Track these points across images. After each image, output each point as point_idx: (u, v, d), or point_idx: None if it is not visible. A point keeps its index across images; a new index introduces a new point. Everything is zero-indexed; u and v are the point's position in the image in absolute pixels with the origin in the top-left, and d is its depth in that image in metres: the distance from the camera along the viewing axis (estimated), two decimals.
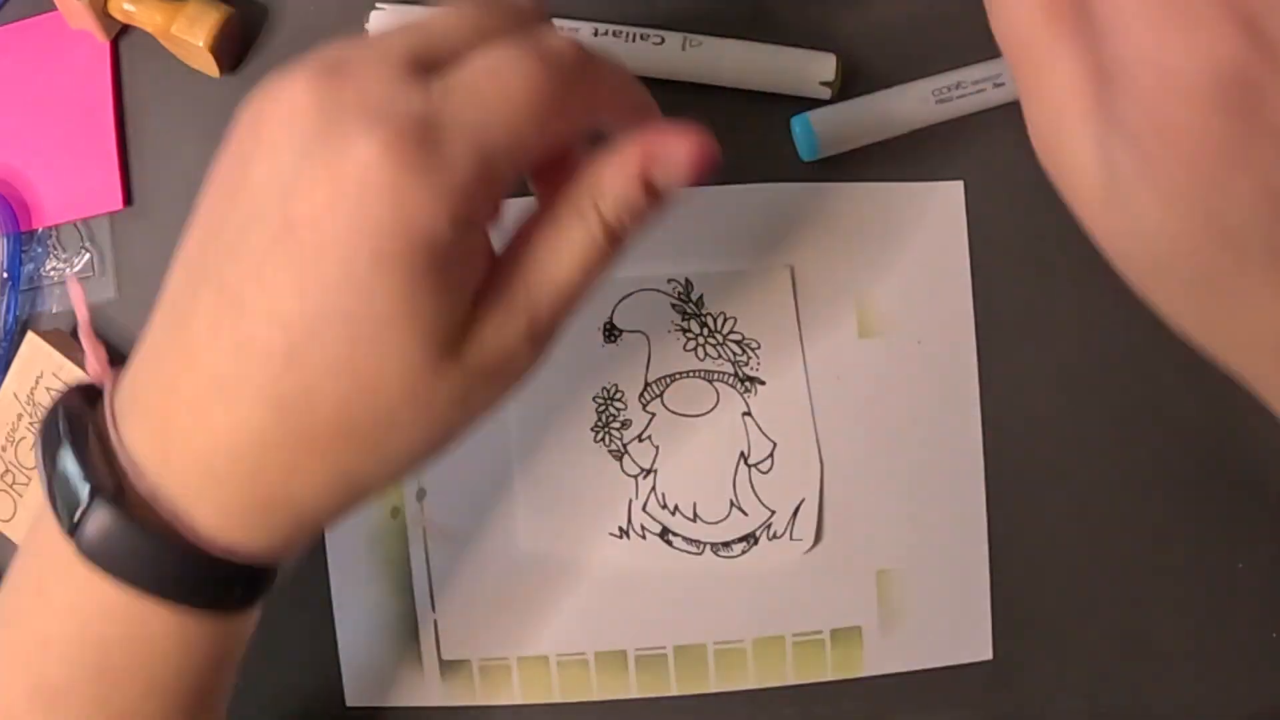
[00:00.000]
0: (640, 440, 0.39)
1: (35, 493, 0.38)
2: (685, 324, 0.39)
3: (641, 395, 0.39)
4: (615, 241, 0.27)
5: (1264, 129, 0.19)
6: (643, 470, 0.39)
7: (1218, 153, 0.19)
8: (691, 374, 0.39)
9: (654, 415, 0.39)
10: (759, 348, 0.39)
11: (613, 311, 0.39)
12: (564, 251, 0.26)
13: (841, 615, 0.39)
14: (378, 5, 0.39)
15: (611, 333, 0.39)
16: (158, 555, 0.25)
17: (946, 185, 0.40)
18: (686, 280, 0.39)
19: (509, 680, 0.39)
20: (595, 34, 0.38)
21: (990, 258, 0.39)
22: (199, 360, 0.25)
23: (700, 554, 0.39)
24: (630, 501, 0.39)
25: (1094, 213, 0.24)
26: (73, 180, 0.40)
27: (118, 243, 0.40)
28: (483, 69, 0.24)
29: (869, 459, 0.38)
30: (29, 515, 0.38)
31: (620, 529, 0.39)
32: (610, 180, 0.26)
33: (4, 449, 0.38)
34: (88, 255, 0.40)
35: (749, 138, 0.39)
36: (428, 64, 0.25)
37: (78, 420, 0.26)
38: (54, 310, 0.40)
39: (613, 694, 0.39)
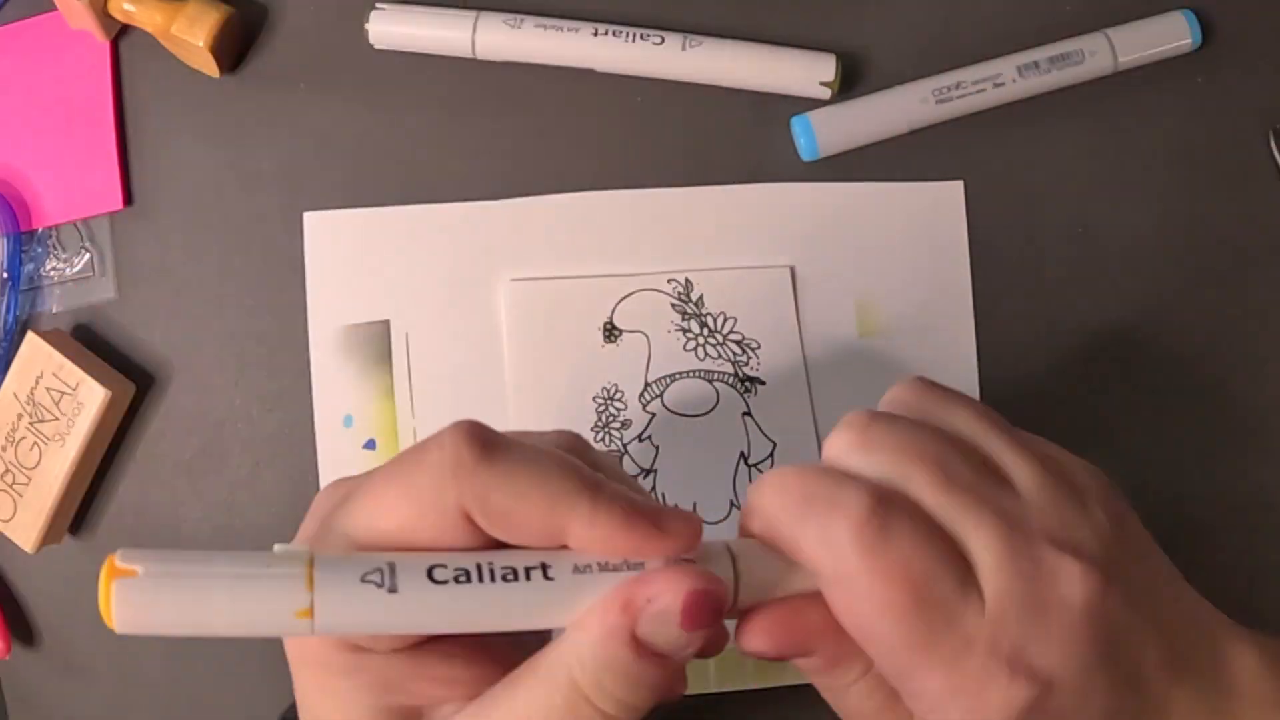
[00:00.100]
0: (640, 440, 0.39)
1: (37, 492, 0.38)
2: (685, 324, 0.39)
3: (641, 395, 0.39)
4: None
5: None
6: (643, 470, 0.39)
7: None
8: (691, 374, 0.39)
9: (654, 415, 0.39)
10: (759, 348, 0.39)
11: (613, 311, 0.39)
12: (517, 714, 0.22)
13: None
14: (378, 5, 0.39)
15: (611, 333, 0.39)
16: None
17: (946, 185, 0.40)
18: (686, 280, 0.39)
19: None
20: (595, 34, 0.38)
21: (990, 258, 0.39)
22: None
23: None
24: None
25: None
26: (73, 180, 0.40)
27: (118, 243, 0.40)
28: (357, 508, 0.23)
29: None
30: (28, 515, 0.38)
31: None
32: (587, 640, 0.22)
33: (4, 449, 0.38)
34: (88, 255, 0.40)
35: (749, 138, 0.40)
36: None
37: None
38: (54, 310, 0.40)
39: None
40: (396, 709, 0.23)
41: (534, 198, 0.39)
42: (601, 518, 0.22)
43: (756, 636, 0.24)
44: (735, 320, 0.39)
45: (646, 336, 0.39)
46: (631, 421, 0.39)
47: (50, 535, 0.38)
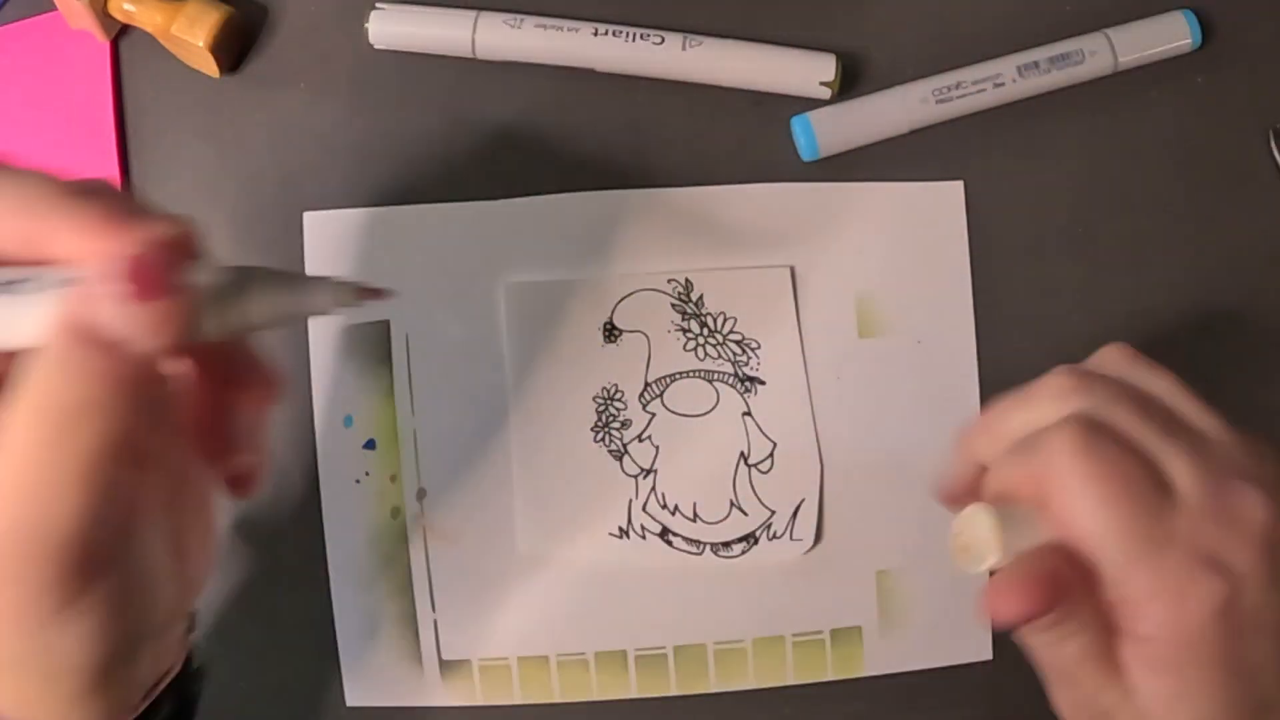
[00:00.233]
0: (640, 440, 0.39)
1: None
2: (685, 324, 0.39)
3: (641, 395, 0.39)
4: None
5: (1247, 626, 0.27)
6: (643, 470, 0.39)
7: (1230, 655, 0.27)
8: (691, 374, 0.39)
9: (654, 415, 0.39)
10: (759, 348, 0.39)
11: (613, 311, 0.39)
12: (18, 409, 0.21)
13: (841, 615, 0.39)
14: (378, 5, 0.39)
15: (611, 333, 0.39)
16: None
17: (946, 185, 0.40)
18: (686, 280, 0.39)
19: (509, 680, 0.39)
20: (595, 34, 0.38)
21: (990, 258, 0.39)
22: None
23: (700, 554, 0.39)
24: (630, 501, 0.39)
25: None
26: None
27: None
28: None
29: (869, 459, 0.38)
30: None
31: (620, 529, 0.39)
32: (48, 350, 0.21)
33: None
34: None
35: (749, 138, 0.40)
36: None
37: None
38: None
39: (613, 694, 0.39)
40: None
41: (534, 198, 0.39)
42: (82, 219, 0.22)
43: (1012, 596, 0.28)
44: (735, 320, 0.39)
45: (646, 336, 0.39)
46: (631, 421, 0.39)
47: None
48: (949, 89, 0.39)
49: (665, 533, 0.39)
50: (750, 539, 0.39)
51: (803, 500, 0.38)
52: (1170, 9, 0.40)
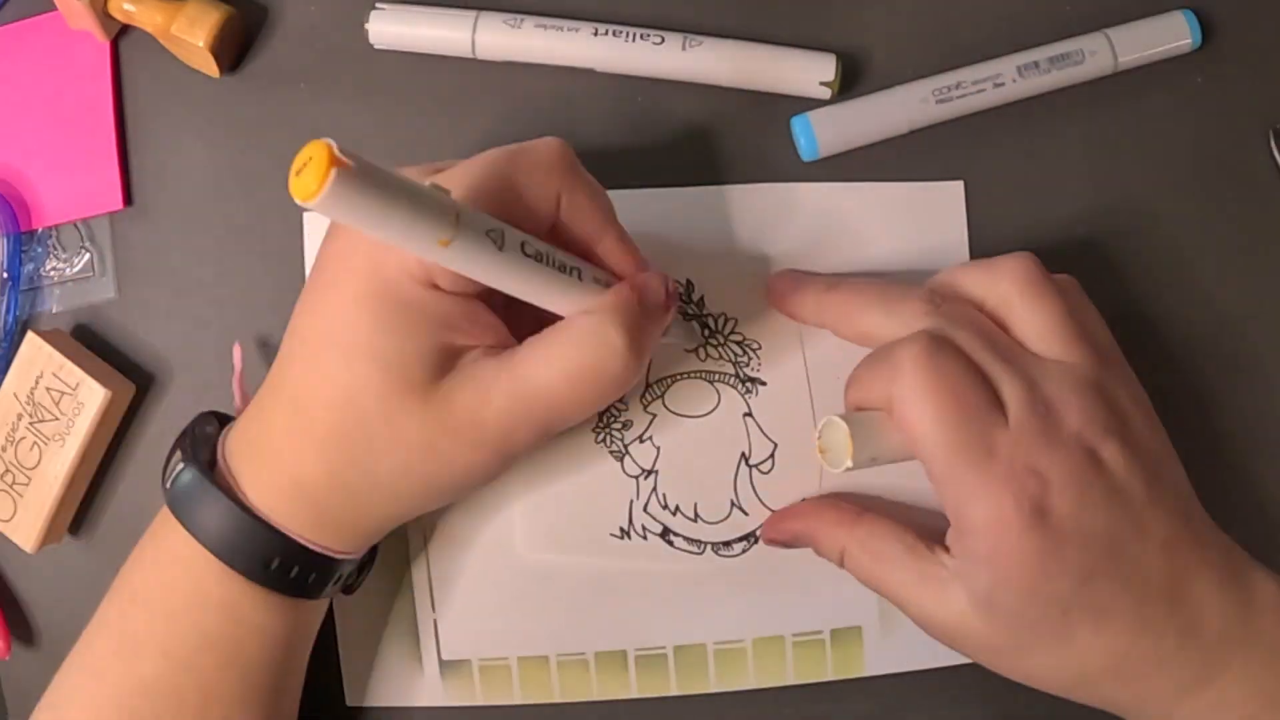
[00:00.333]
0: (641, 441, 0.39)
1: (37, 492, 0.38)
2: (686, 324, 0.39)
3: (642, 396, 0.39)
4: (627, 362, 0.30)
5: (1059, 533, 0.30)
6: (644, 471, 0.39)
7: (1037, 556, 0.30)
8: (692, 374, 0.39)
9: (655, 416, 0.39)
10: (760, 348, 0.39)
11: None
12: (558, 361, 0.30)
13: (841, 615, 0.39)
14: (378, 5, 0.39)
15: None
16: (214, 509, 0.31)
17: (946, 185, 0.40)
18: (687, 280, 0.39)
19: (509, 680, 0.39)
20: (595, 34, 0.38)
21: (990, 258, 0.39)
22: (270, 373, 0.32)
23: (701, 554, 0.39)
24: (631, 502, 0.39)
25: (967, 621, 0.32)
26: (73, 180, 0.40)
27: (118, 243, 0.40)
28: (471, 159, 0.30)
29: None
30: (28, 515, 0.38)
31: (621, 529, 0.39)
32: (612, 305, 0.31)
33: (4, 449, 0.38)
34: (88, 255, 0.40)
35: (749, 138, 0.40)
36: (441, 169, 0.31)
37: (200, 429, 0.34)
38: (54, 310, 0.40)
39: (613, 694, 0.39)
40: (443, 347, 0.30)
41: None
42: (624, 240, 0.33)
43: (771, 532, 0.38)
44: (736, 321, 0.39)
45: None
46: (632, 422, 0.39)
47: (50, 535, 0.38)
48: (949, 89, 0.39)
49: (666, 533, 0.39)
50: (751, 539, 0.39)
51: (803, 500, 0.38)
52: (1170, 9, 0.40)
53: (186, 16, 0.38)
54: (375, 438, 0.30)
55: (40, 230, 0.40)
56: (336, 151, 0.23)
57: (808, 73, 0.38)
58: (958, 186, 0.40)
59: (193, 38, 0.37)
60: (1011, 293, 0.34)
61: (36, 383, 0.38)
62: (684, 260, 0.39)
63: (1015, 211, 0.40)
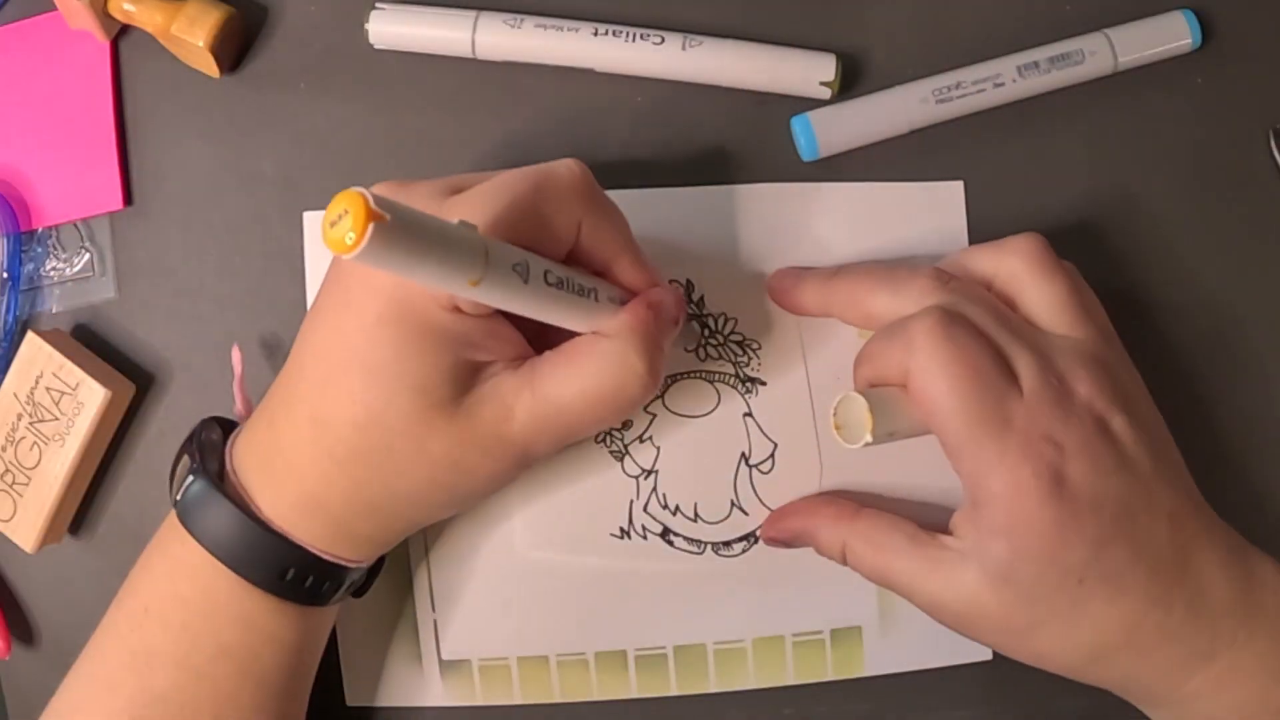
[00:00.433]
0: (641, 441, 0.39)
1: (37, 492, 0.38)
2: (686, 324, 0.39)
3: None
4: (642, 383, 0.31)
5: (1075, 501, 0.31)
6: (644, 471, 0.39)
7: (1055, 524, 0.31)
8: (692, 374, 0.39)
9: (655, 416, 0.39)
10: (760, 348, 0.39)
11: None
12: (578, 381, 0.31)
13: (841, 615, 0.39)
14: (378, 5, 0.39)
15: None
16: (228, 521, 0.31)
17: (946, 185, 0.40)
18: (687, 280, 0.39)
19: (509, 680, 0.39)
20: (595, 34, 0.38)
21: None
22: (278, 383, 0.33)
23: (701, 554, 0.39)
24: (631, 502, 0.39)
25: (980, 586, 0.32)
26: (73, 180, 0.40)
27: (118, 243, 0.40)
28: (492, 182, 0.30)
29: (870, 459, 0.38)
30: (28, 515, 0.38)
31: (621, 529, 0.39)
32: (629, 323, 0.31)
33: (4, 449, 0.38)
34: (88, 255, 0.40)
35: (749, 138, 0.40)
36: (458, 190, 0.31)
37: (206, 436, 0.34)
38: (54, 310, 0.40)
39: (613, 694, 0.39)
40: (466, 364, 0.30)
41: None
42: (639, 258, 0.33)
43: (771, 532, 0.38)
44: (736, 321, 0.39)
45: None
46: (632, 422, 0.39)
47: (50, 535, 0.38)
48: (949, 89, 0.39)
49: (666, 533, 0.39)
50: (751, 538, 0.39)
51: (801, 498, 0.38)
52: (1170, 9, 0.40)
53: (186, 16, 0.38)
54: (400, 456, 0.30)
55: (40, 230, 0.40)
56: (372, 204, 0.22)
57: (808, 73, 0.38)
58: (958, 186, 0.40)
59: (193, 38, 0.37)
60: (1020, 269, 0.34)
61: (36, 383, 0.38)
62: (684, 260, 0.39)
63: (1015, 211, 0.40)
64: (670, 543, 0.39)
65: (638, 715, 0.39)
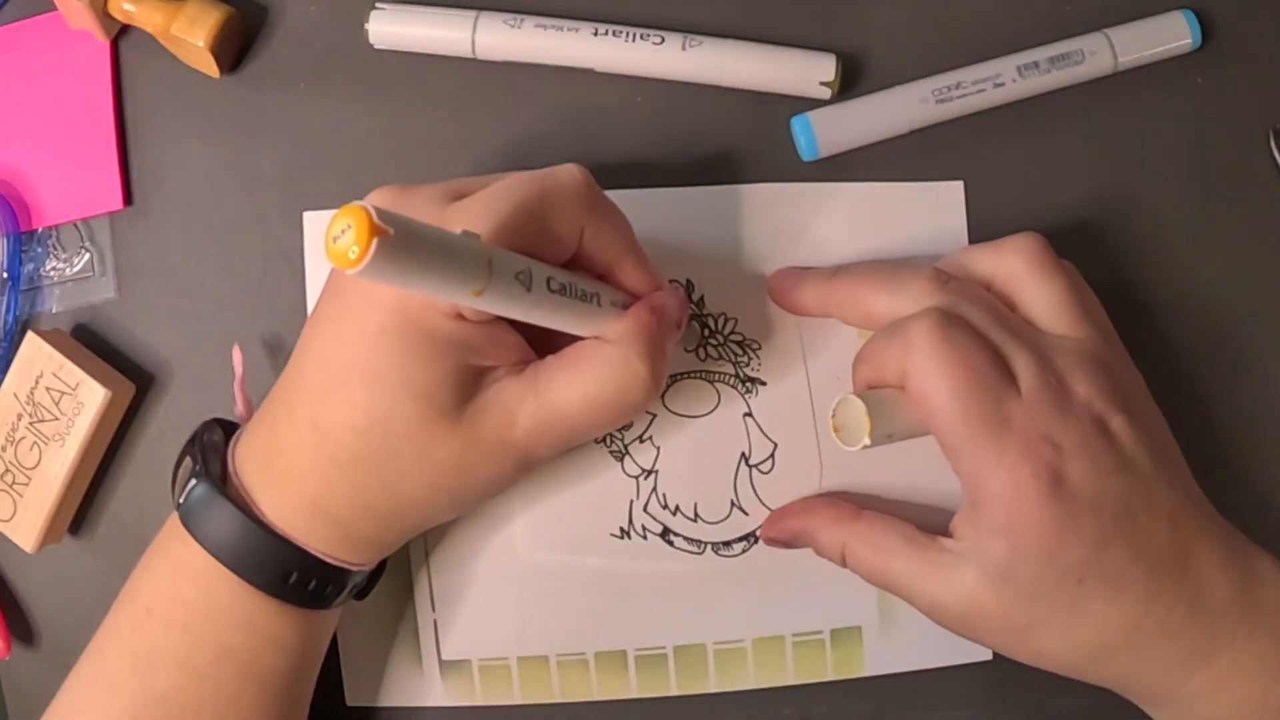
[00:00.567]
0: (641, 441, 0.39)
1: (37, 492, 0.38)
2: (688, 325, 0.39)
3: None
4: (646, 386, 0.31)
5: (1074, 501, 0.31)
6: (644, 471, 0.39)
7: (1054, 524, 0.31)
8: (693, 374, 0.39)
9: (655, 416, 0.39)
10: (760, 348, 0.39)
11: None
12: (582, 386, 0.31)
13: (841, 615, 0.39)
14: (378, 5, 0.39)
15: None
16: (230, 524, 0.31)
17: (946, 185, 0.40)
18: (687, 280, 0.39)
19: (509, 680, 0.39)
20: (595, 34, 0.38)
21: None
22: (279, 386, 0.33)
23: (701, 554, 0.39)
24: (631, 502, 0.39)
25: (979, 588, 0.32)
26: (73, 180, 0.40)
27: (118, 243, 0.40)
28: (495, 188, 0.30)
29: (869, 459, 0.38)
30: (28, 515, 0.38)
31: (621, 529, 0.39)
32: (632, 328, 0.32)
33: (4, 449, 0.38)
34: (88, 255, 0.40)
35: (749, 138, 0.40)
36: (459, 196, 0.31)
37: (208, 438, 0.34)
38: (54, 310, 0.40)
39: (613, 694, 0.39)
40: (469, 370, 0.30)
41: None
42: (642, 261, 0.33)
43: (771, 532, 0.38)
44: (736, 321, 0.39)
45: None
46: (632, 422, 0.39)
47: (50, 535, 0.38)
48: (949, 89, 0.39)
49: (666, 533, 0.39)
50: (751, 538, 0.39)
51: (801, 498, 0.38)
52: (1170, 9, 0.40)
53: (186, 16, 0.38)
54: (403, 462, 0.31)
55: (40, 230, 0.40)
56: (375, 219, 0.22)
57: (808, 73, 0.38)
58: (958, 186, 0.40)
59: (193, 38, 0.37)
60: (1020, 269, 0.34)
61: (36, 383, 0.38)
62: (684, 260, 0.39)
63: (1015, 211, 0.40)
64: (670, 543, 0.39)
65: (638, 715, 0.39)
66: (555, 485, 0.39)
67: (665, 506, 0.39)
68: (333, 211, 0.39)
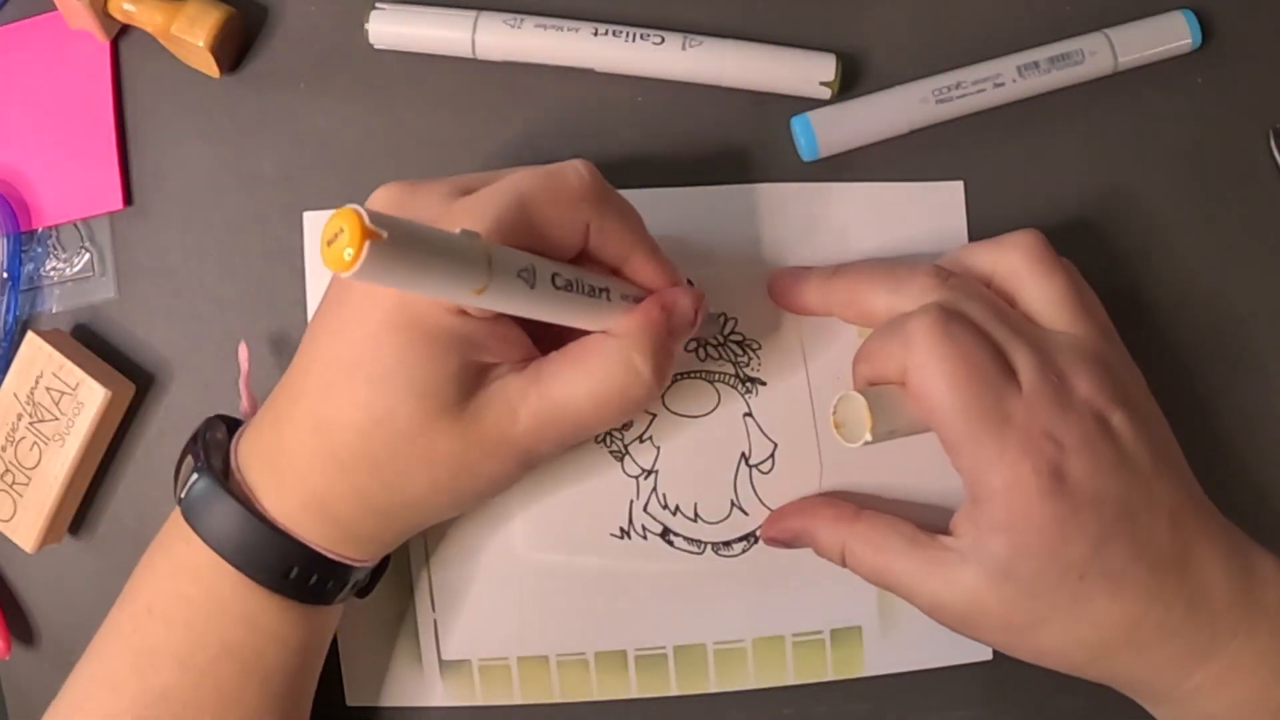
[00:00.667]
0: (641, 441, 0.39)
1: (37, 492, 0.38)
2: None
3: None
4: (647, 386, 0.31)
5: (1076, 497, 0.31)
6: (644, 471, 0.39)
7: (1055, 520, 0.31)
8: (692, 374, 0.39)
9: (655, 416, 0.39)
10: (760, 348, 0.39)
11: None
12: (584, 383, 0.31)
13: (841, 615, 0.39)
14: (378, 5, 0.39)
15: None
16: (232, 520, 0.31)
17: (946, 185, 0.40)
18: (688, 281, 0.39)
19: (509, 680, 0.39)
20: (595, 34, 0.38)
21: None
22: (283, 384, 0.33)
23: (701, 554, 0.39)
24: (631, 502, 0.39)
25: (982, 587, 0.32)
26: (73, 180, 0.40)
27: (118, 243, 0.40)
28: (498, 185, 0.30)
29: (869, 459, 0.38)
30: (28, 515, 0.38)
31: (621, 529, 0.39)
32: (639, 325, 0.31)
33: (4, 449, 0.38)
34: (88, 255, 0.40)
35: (749, 138, 0.40)
36: (466, 191, 0.31)
37: (211, 435, 0.34)
38: (54, 310, 0.40)
39: (613, 694, 0.39)
40: (472, 368, 0.30)
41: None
42: (654, 256, 0.33)
43: (771, 532, 0.38)
44: (736, 321, 0.39)
45: None
46: (632, 422, 0.39)
47: (50, 535, 0.38)
48: (949, 89, 0.39)
49: (666, 533, 0.39)
50: (751, 538, 0.39)
51: (801, 498, 0.38)
52: (1170, 9, 0.40)
53: (186, 16, 0.38)
54: (405, 459, 0.31)
55: (40, 230, 0.40)
56: (368, 222, 0.22)
57: (808, 73, 0.38)
58: (958, 186, 0.40)
59: (193, 38, 0.37)
60: (1020, 266, 0.34)
61: (36, 383, 0.38)
62: (684, 260, 0.39)
63: (1015, 211, 0.40)
64: (670, 543, 0.39)
65: (638, 715, 0.39)
66: (555, 485, 0.39)
67: (665, 506, 0.39)
68: (332, 211, 0.39)
